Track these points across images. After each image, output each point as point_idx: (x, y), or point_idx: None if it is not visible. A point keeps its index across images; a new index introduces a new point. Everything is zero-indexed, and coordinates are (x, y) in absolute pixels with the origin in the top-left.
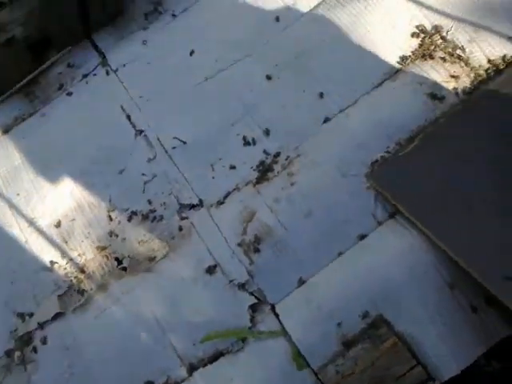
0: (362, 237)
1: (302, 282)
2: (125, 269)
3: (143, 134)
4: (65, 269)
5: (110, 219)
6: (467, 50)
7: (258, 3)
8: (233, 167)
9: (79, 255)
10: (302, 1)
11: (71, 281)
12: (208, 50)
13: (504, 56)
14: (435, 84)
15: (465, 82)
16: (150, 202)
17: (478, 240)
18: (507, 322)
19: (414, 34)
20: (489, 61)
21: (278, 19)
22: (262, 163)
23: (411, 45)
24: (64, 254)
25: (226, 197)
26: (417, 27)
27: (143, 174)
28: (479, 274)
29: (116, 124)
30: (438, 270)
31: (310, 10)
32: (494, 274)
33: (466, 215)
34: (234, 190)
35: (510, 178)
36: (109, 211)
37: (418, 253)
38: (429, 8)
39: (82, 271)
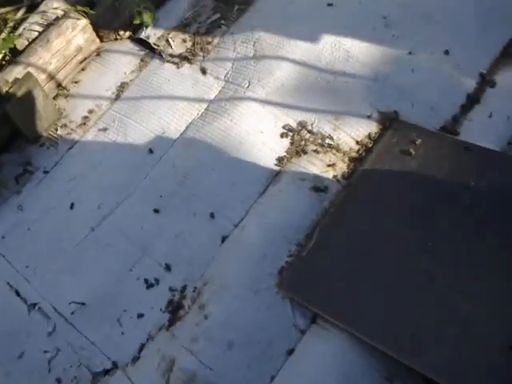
0: (290, 352)
1: None
2: None
3: (37, 306)
4: None
5: None
6: (335, 137)
7: (128, 139)
8: (141, 315)
9: None
10: (171, 128)
11: None
12: (88, 198)
13: (369, 134)
14: (316, 177)
15: (341, 167)
16: (59, 381)
17: (396, 324)
18: None
19: (282, 135)
20: (357, 142)
21: (151, 151)
22: (170, 302)
23: (283, 145)
24: None
25: (140, 350)
26: (283, 127)
27: (45, 351)
28: (408, 360)
29: (5, 304)
30: (372, 367)
31: (181, 135)
32: (419, 356)
33: (379, 300)
34: (148, 340)
35: (408, 253)
36: None
37: (349, 355)
38: (289, 107)
39: None
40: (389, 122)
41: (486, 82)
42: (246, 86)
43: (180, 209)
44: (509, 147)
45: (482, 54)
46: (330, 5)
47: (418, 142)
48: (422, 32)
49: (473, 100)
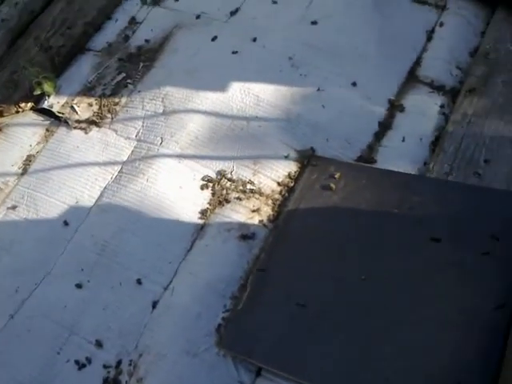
0: None
1: None
2: None
3: None
4: None
5: None
6: (255, 181)
7: (40, 214)
8: None
9: None
10: (84, 196)
11: None
12: (3, 284)
13: (289, 174)
14: (241, 225)
15: (266, 211)
16: None
17: (339, 367)
18: None
19: (203, 186)
20: (278, 183)
21: (66, 223)
22: (106, 381)
23: (204, 197)
24: None
25: None
26: (203, 179)
27: None
28: None
29: None
30: None
31: (96, 202)
32: None
33: (321, 344)
34: None
35: (344, 291)
36: None
37: None
38: (206, 158)
39: None
40: (306, 159)
41: (395, 107)
42: (159, 142)
43: (104, 280)
44: (425, 167)
45: (388, 80)
46: (234, 52)
47: (337, 175)
48: (328, 68)
49: (385, 126)
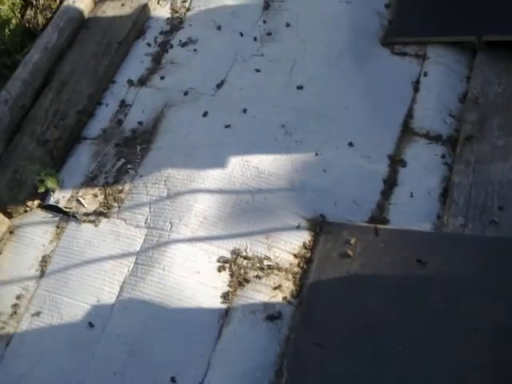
0: None
1: None
2: None
3: None
4: None
5: None
6: (271, 256)
7: (64, 318)
8: None
9: None
10: (104, 294)
11: None
12: None
13: (304, 244)
14: (265, 304)
15: (288, 287)
16: None
17: None
18: None
19: (220, 268)
20: (295, 256)
21: (91, 325)
22: None
23: (224, 279)
24: None
25: None
26: (218, 260)
27: None
28: None
29: None
30: None
31: (117, 299)
32: None
33: None
34: None
35: (383, 361)
36: None
37: None
38: (217, 238)
39: None
40: (318, 227)
41: (396, 162)
42: (169, 228)
43: (137, 382)
44: (440, 221)
45: (384, 136)
46: (227, 126)
47: (353, 240)
48: (321, 131)
49: (390, 184)
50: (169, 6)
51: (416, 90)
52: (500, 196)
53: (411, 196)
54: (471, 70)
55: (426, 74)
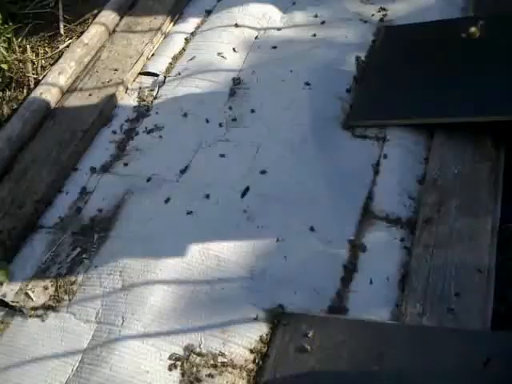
0: None
1: None
2: None
3: None
4: None
5: None
6: (226, 352)
7: None
8: None
9: None
10: None
11: None
12: None
13: (261, 338)
14: None
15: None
16: None
17: None
18: None
19: (171, 367)
20: (251, 351)
21: None
22: None
23: (174, 379)
24: None
25: None
26: (170, 358)
27: None
28: None
29: None
30: None
31: None
32: None
33: None
34: None
35: None
36: None
37: None
38: (171, 333)
39: None
40: (276, 318)
41: (356, 247)
42: (121, 323)
43: None
44: (398, 310)
45: (345, 220)
46: (189, 213)
47: (311, 334)
48: (283, 215)
49: (350, 270)
50: (136, 94)
51: (376, 172)
52: (457, 282)
53: (370, 283)
54: (429, 150)
55: (385, 157)
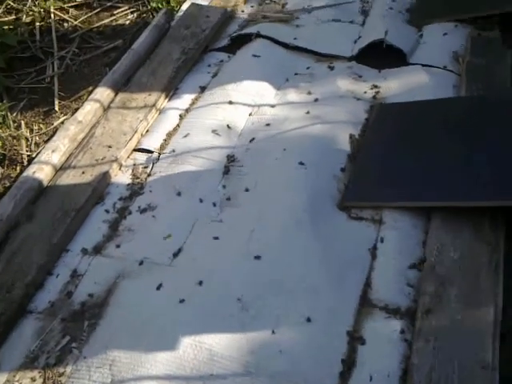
0: None
1: None
2: None
3: None
4: None
5: None
6: None
7: None
8: None
9: None
10: None
11: None
12: None
13: None
14: None
15: None
16: None
17: None
18: None
19: None
20: None
21: None
22: None
23: None
24: None
25: None
26: None
27: None
28: None
29: None
30: None
31: None
32: None
33: None
34: None
35: None
36: None
37: None
38: None
39: None
40: None
41: (355, 340)
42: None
43: None
44: None
45: (342, 310)
46: (181, 301)
47: None
48: (278, 305)
49: (349, 365)
50: (130, 171)
51: (374, 256)
52: (460, 379)
53: (370, 380)
54: (427, 234)
55: (382, 240)
